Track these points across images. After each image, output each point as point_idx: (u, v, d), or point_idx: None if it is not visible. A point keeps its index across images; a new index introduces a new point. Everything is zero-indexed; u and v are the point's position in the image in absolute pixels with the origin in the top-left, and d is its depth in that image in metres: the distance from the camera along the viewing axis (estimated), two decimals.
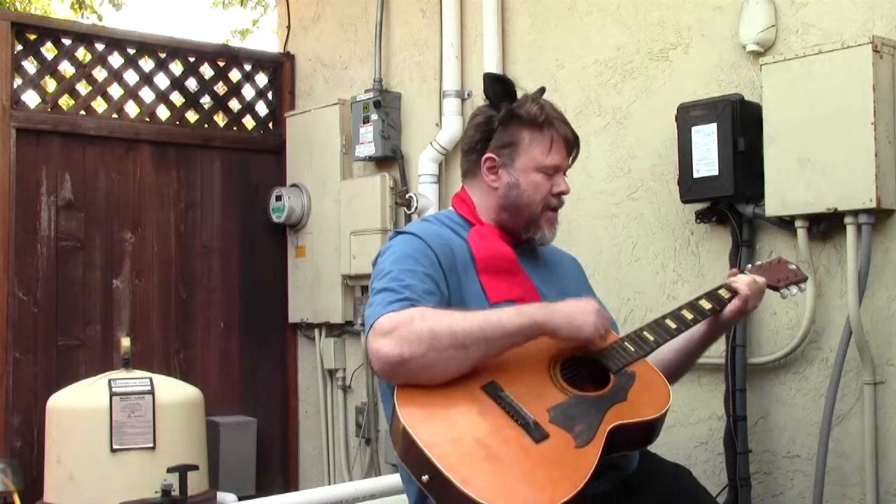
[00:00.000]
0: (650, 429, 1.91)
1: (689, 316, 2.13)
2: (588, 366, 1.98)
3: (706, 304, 2.17)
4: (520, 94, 2.19)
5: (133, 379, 3.57)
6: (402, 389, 1.82)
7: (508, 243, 2.14)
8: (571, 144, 2.17)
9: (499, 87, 2.16)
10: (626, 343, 2.02)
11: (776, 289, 2.33)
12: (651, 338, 2.04)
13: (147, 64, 4.81)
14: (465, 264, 2.05)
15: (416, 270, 1.96)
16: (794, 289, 2.36)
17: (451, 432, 1.75)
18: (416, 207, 4.06)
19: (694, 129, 3.06)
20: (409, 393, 1.82)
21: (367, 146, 4.35)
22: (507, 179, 2.13)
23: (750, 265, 2.39)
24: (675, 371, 2.24)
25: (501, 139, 2.13)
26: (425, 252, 2.00)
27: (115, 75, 4.62)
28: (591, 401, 1.87)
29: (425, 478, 1.70)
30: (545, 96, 2.24)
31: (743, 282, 2.21)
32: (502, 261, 2.09)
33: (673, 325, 2.10)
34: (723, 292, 2.20)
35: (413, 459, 1.74)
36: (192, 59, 4.87)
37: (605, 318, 1.97)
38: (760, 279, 2.25)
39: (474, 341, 1.82)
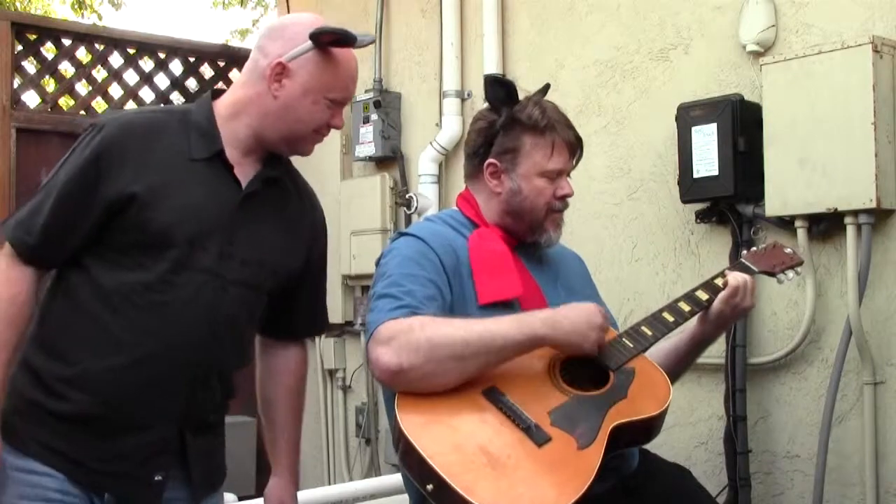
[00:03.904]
0: (651, 425, 1.91)
1: (686, 308, 2.11)
2: (588, 363, 1.97)
3: (703, 295, 2.14)
4: (522, 95, 2.18)
5: None
6: (403, 396, 1.82)
7: (513, 244, 2.14)
8: (574, 147, 2.15)
9: (500, 90, 2.14)
10: (624, 339, 2.01)
11: (772, 274, 2.29)
12: (649, 332, 2.03)
13: (147, 64, 4.81)
14: (466, 265, 2.05)
15: (418, 275, 1.95)
16: (790, 273, 2.31)
17: (454, 440, 1.75)
18: (416, 207, 4.06)
19: (694, 129, 3.06)
20: (410, 400, 1.81)
21: (368, 146, 4.35)
22: (509, 185, 2.11)
23: (746, 251, 2.36)
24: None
25: (503, 145, 2.11)
26: (428, 255, 2.00)
27: (115, 75, 4.62)
28: (592, 400, 1.87)
29: (430, 487, 1.70)
30: (546, 96, 2.23)
31: (732, 275, 2.15)
32: (497, 260, 2.07)
33: (671, 318, 2.08)
34: (719, 282, 2.16)
35: (416, 468, 1.74)
36: (192, 59, 4.87)
37: (606, 329, 1.95)
38: (752, 281, 2.17)
39: (473, 353, 1.82)
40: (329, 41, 1.93)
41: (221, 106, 1.97)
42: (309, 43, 1.92)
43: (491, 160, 2.13)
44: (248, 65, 1.99)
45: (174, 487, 1.95)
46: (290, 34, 1.95)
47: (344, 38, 1.94)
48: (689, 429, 3.25)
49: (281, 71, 1.92)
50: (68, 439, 1.85)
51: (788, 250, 2.36)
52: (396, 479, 2.80)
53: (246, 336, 2.06)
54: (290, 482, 2.19)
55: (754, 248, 2.36)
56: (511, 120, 2.11)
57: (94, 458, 1.86)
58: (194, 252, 1.88)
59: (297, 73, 1.92)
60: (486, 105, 2.20)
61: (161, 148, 1.89)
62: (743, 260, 2.30)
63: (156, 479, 1.90)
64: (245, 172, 1.96)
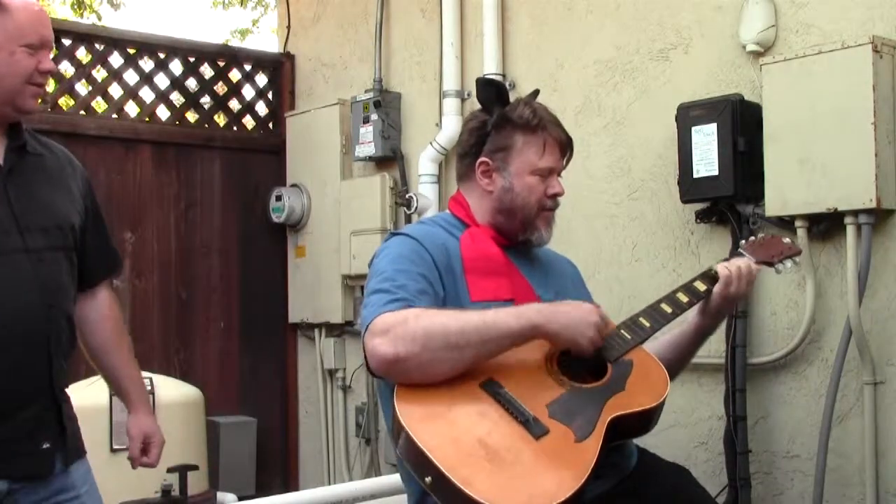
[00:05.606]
0: (649, 417, 1.92)
1: (684, 299, 2.13)
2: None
3: (701, 286, 2.16)
4: (516, 97, 2.19)
5: None
6: (402, 389, 1.83)
7: (504, 245, 2.15)
8: (565, 146, 2.17)
9: (491, 90, 2.17)
10: (622, 331, 2.02)
11: (770, 264, 2.29)
12: (647, 324, 2.05)
13: (147, 64, 4.81)
14: (458, 263, 2.06)
15: (410, 271, 1.97)
16: (788, 263, 2.31)
17: (452, 433, 1.76)
18: (416, 207, 4.06)
19: (694, 129, 3.07)
20: (409, 393, 1.82)
21: (367, 146, 4.35)
22: (501, 183, 2.13)
23: (743, 241, 2.37)
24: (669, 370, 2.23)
25: (495, 143, 2.13)
26: (420, 253, 2.02)
27: (115, 75, 4.61)
28: (589, 392, 1.88)
29: (428, 479, 1.71)
30: (542, 98, 2.24)
31: (723, 265, 2.18)
32: (489, 262, 2.09)
33: (669, 310, 2.10)
34: (716, 272, 2.18)
35: (415, 461, 1.75)
36: (192, 59, 4.87)
37: (603, 328, 1.96)
38: (745, 266, 2.19)
39: (468, 342, 1.83)
40: None
41: None
42: None
43: (483, 158, 2.15)
44: None
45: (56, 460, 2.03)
46: None
47: None
48: (689, 429, 3.25)
49: None
50: None
51: (787, 240, 2.36)
52: (396, 479, 2.80)
53: (72, 295, 2.14)
54: (148, 413, 2.33)
55: (752, 238, 2.36)
56: (503, 119, 2.13)
57: None
58: None
59: None
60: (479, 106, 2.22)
61: None
62: (741, 250, 2.31)
63: (44, 446, 1.99)
64: None
